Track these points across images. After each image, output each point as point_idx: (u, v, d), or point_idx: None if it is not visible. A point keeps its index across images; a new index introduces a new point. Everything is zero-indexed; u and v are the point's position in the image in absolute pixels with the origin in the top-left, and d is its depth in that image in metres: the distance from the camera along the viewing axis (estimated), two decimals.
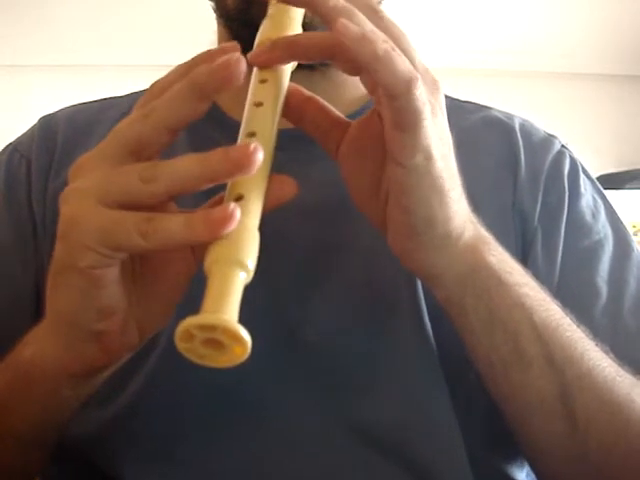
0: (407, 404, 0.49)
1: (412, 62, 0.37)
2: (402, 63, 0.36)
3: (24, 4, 2.05)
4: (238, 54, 0.34)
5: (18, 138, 0.61)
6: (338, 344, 0.49)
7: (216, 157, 0.33)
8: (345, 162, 0.43)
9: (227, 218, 0.32)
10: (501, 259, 0.44)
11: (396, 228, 0.41)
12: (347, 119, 0.43)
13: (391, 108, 0.36)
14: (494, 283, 0.43)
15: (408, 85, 0.35)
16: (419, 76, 0.36)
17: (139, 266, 0.38)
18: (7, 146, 0.61)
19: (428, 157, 0.38)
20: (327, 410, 0.48)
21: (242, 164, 0.32)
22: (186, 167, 0.33)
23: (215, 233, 0.32)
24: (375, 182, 0.42)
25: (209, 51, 0.37)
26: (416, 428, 0.48)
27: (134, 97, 0.62)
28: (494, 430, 0.50)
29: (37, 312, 0.53)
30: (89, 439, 0.49)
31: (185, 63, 0.38)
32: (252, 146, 0.32)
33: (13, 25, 2.14)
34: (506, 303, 0.43)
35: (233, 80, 0.34)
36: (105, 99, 0.63)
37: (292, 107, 0.41)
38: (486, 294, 0.43)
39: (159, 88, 0.37)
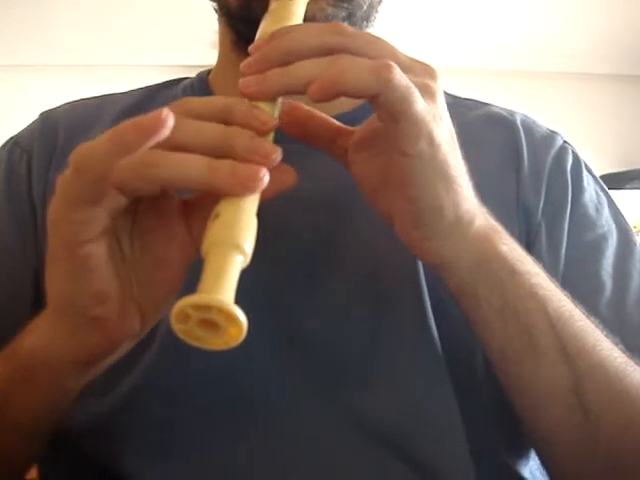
0: (408, 398, 0.48)
1: (383, 52, 0.37)
2: (364, 61, 0.36)
3: (24, 4, 2.05)
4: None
5: (19, 133, 0.61)
6: (339, 338, 0.49)
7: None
8: (354, 165, 0.43)
9: (255, 178, 0.32)
10: (512, 248, 0.44)
11: (403, 218, 0.41)
12: (349, 127, 0.43)
13: (376, 104, 0.36)
14: (507, 273, 0.43)
15: (379, 76, 0.35)
16: (391, 63, 0.35)
17: (139, 251, 0.38)
18: (7, 141, 0.61)
19: (430, 143, 0.37)
20: (327, 404, 0.48)
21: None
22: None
23: (236, 186, 0.33)
24: (383, 176, 0.42)
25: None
26: (417, 423, 0.48)
27: (133, 94, 0.62)
28: (499, 424, 0.50)
29: (36, 305, 0.53)
30: (87, 431, 0.49)
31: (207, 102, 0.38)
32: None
33: (13, 25, 2.14)
34: (519, 293, 0.43)
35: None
36: (105, 95, 0.63)
37: (293, 125, 0.42)
38: (499, 284, 0.42)
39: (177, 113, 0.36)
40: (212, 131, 0.35)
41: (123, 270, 0.37)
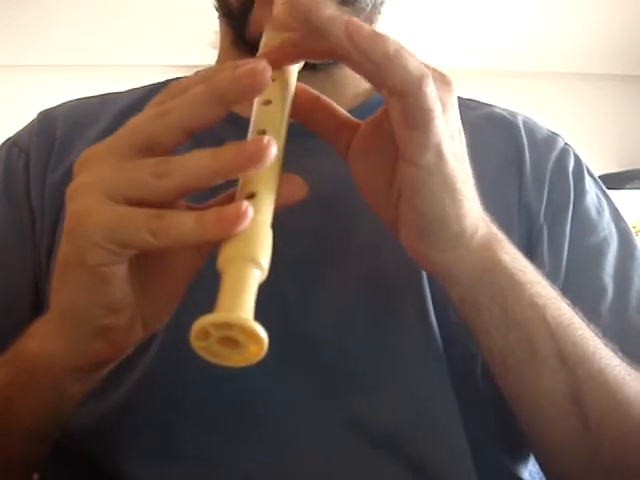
0: (409, 401, 0.48)
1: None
2: (413, 61, 0.35)
3: (24, 4, 2.05)
4: (264, 63, 0.33)
5: (17, 133, 0.60)
6: (339, 340, 0.49)
7: (229, 152, 0.32)
8: (355, 161, 0.43)
9: (240, 216, 0.31)
10: (514, 257, 0.43)
11: (408, 228, 0.41)
12: (356, 120, 0.43)
13: (401, 106, 0.36)
14: (508, 282, 0.43)
15: (419, 83, 0.35)
16: (430, 73, 0.36)
17: (144, 261, 0.38)
18: (6, 141, 0.60)
19: (439, 155, 0.37)
20: (327, 406, 0.48)
21: (255, 158, 0.32)
22: (199, 162, 0.33)
23: (227, 231, 0.32)
24: (387, 181, 0.41)
25: (235, 62, 0.36)
26: (418, 426, 0.48)
27: (134, 93, 0.62)
28: (498, 427, 0.50)
29: (36, 306, 0.53)
30: (87, 433, 0.49)
31: (209, 69, 0.37)
32: (265, 140, 0.32)
33: (13, 25, 2.14)
34: (520, 302, 0.43)
35: (257, 89, 0.33)
36: (104, 94, 0.63)
37: (300, 107, 0.41)
38: (500, 293, 0.42)
39: (178, 89, 0.36)
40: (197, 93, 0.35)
41: (133, 279, 0.37)
